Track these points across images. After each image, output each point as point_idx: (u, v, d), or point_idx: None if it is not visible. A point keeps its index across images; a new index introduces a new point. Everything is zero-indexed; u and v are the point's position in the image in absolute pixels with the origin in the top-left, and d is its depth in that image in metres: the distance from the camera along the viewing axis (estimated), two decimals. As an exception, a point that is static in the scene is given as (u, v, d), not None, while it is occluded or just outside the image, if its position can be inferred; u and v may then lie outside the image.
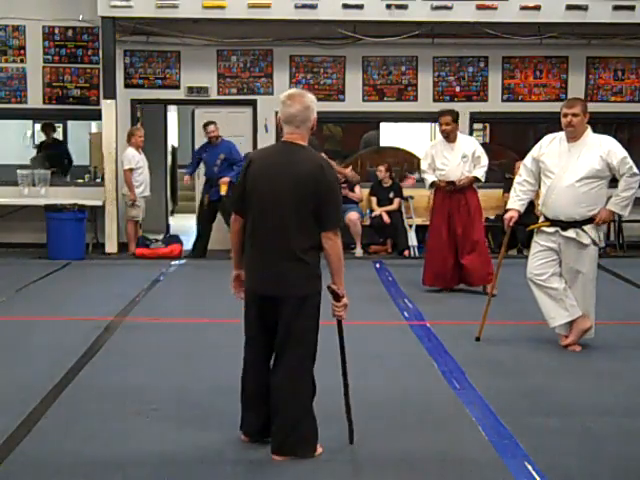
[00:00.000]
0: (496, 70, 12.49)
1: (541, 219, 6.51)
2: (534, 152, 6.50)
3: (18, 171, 12.09)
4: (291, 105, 4.19)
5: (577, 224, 6.24)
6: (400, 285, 9.26)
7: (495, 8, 11.45)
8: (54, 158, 12.99)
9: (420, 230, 11.53)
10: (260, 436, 4.37)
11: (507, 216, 6.55)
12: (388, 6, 11.35)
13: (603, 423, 4.79)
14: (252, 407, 4.37)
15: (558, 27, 11.93)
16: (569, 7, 11.43)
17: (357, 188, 11.93)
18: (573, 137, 6.25)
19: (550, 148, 6.40)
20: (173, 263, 10.94)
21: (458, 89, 12.48)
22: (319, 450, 4.27)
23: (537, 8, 11.42)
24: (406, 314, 7.80)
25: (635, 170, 6.18)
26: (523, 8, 11.42)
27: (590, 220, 6.24)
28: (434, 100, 12.34)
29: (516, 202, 6.54)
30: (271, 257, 4.17)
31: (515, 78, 12.51)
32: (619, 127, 13.73)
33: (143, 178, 11.68)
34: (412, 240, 11.65)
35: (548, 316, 6.46)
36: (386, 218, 11.71)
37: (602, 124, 13.53)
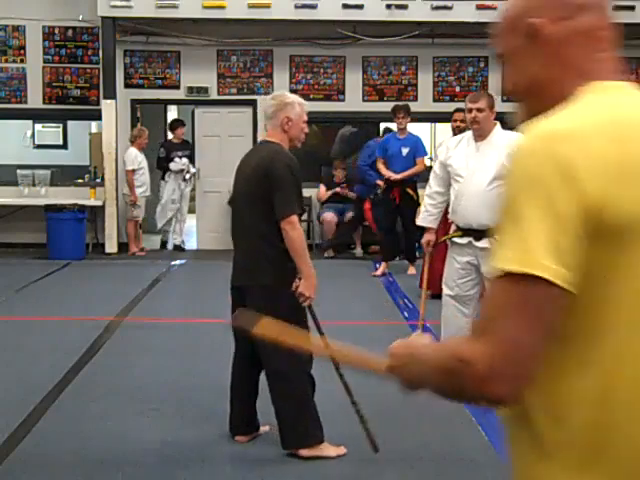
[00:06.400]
0: (496, 70, 12.48)
1: (452, 228, 5.71)
2: (441, 156, 5.75)
3: (18, 171, 12.10)
4: (265, 102, 4.49)
5: (491, 232, 5.68)
6: (400, 285, 9.25)
7: (495, 8, 11.45)
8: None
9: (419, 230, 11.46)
10: (247, 433, 4.41)
11: (424, 241, 5.84)
12: (388, 6, 11.35)
13: (603, 423, 4.79)
14: (235, 398, 4.41)
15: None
16: (569, 7, 11.45)
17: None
18: (480, 135, 5.51)
19: (457, 150, 5.59)
20: (173, 263, 10.94)
21: (458, 89, 12.48)
22: (343, 450, 4.27)
23: (537, 8, 11.44)
24: (406, 314, 7.80)
25: None
26: (523, 8, 11.43)
27: None
28: (434, 100, 12.34)
29: (427, 219, 5.80)
30: (238, 249, 4.36)
31: (515, 78, 12.51)
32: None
33: (144, 179, 11.71)
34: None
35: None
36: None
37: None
